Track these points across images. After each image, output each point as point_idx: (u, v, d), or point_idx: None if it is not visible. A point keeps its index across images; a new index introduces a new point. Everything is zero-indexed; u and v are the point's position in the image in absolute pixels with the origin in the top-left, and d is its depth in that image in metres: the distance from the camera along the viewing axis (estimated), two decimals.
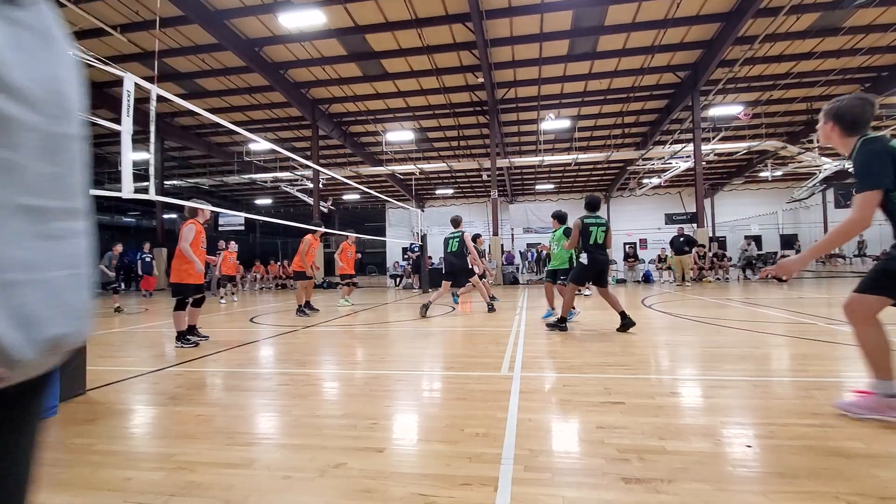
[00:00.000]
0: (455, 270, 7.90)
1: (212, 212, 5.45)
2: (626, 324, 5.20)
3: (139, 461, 2.02)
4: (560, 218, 7.23)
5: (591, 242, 5.40)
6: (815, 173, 20.05)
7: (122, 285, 10.53)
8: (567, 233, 7.38)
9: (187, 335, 5.06)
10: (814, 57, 14.11)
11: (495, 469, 1.83)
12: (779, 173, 22.13)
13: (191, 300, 5.19)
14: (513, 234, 28.90)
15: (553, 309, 6.82)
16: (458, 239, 7.88)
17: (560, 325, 5.45)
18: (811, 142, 19.04)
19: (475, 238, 10.11)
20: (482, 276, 9.38)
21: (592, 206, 5.65)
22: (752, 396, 2.74)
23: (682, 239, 13.36)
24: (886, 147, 2.18)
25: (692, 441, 2.07)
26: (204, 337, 5.33)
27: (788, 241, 26.61)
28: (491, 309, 7.77)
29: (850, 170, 16.01)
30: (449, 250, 7.94)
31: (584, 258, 5.43)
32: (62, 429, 2.45)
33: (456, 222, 8.22)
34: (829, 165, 18.68)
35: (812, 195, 22.51)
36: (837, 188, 17.73)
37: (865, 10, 11.66)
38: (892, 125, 17.46)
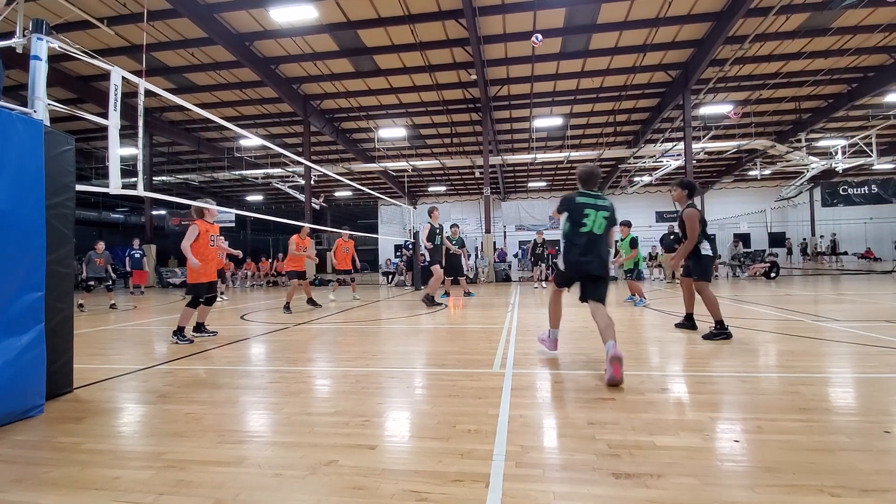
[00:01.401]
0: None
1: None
2: (687, 325, 4.99)
3: (128, 460, 2.00)
4: (630, 225, 8.01)
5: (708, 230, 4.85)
6: (803, 172, 20.33)
7: (112, 282, 10.22)
8: (634, 242, 8.12)
9: (187, 332, 5.07)
10: (802, 57, 14.26)
11: (487, 465, 1.84)
12: (767, 172, 22.40)
13: (203, 298, 5.22)
14: (505, 232, 28.95)
15: (637, 296, 7.74)
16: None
17: (722, 331, 4.45)
18: (799, 141, 19.28)
19: (452, 227, 10.53)
20: (456, 275, 9.65)
21: (696, 191, 5.08)
22: (740, 392, 2.78)
23: (672, 237, 13.46)
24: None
25: (681, 436, 2.10)
26: (212, 333, 5.38)
27: (776, 240, 26.96)
28: (428, 301, 8.09)
29: (838, 170, 16.09)
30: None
31: (707, 248, 4.70)
32: (49, 427, 2.42)
33: (428, 213, 8.80)
34: (817, 165, 18.94)
35: (799, 194, 22.84)
36: (825, 187, 17.99)
37: (853, 11, 11.80)
38: (879, 125, 17.72)
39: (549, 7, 11.80)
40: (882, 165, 20.49)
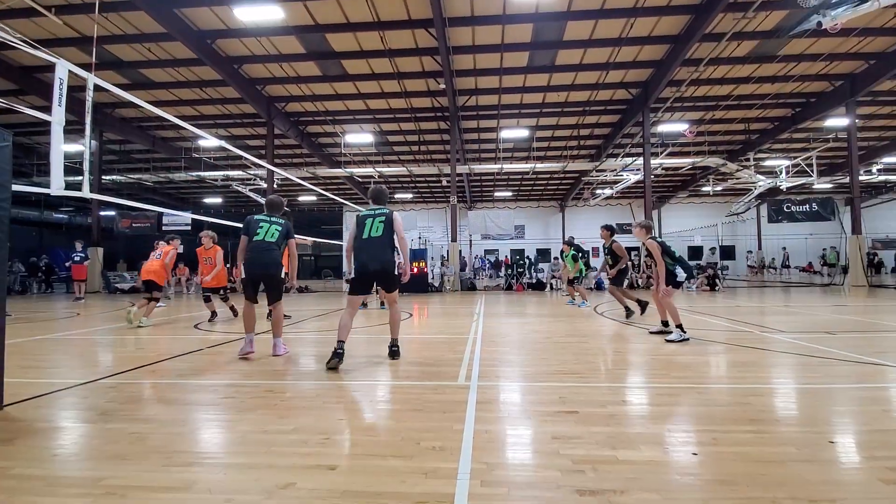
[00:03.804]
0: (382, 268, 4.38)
1: (159, 213, 5.21)
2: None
3: (62, 486, 1.84)
4: (570, 244, 9.81)
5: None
6: (751, 189, 21.55)
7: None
8: (575, 258, 9.83)
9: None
10: (752, 81, 15.19)
11: (451, 485, 1.80)
12: (719, 188, 23.63)
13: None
14: (471, 241, 29.16)
15: (585, 301, 9.67)
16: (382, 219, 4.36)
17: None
18: (748, 160, 20.47)
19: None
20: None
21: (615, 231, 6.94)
22: (696, 404, 2.87)
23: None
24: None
25: (642, 449, 2.13)
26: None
27: (727, 252, 28.44)
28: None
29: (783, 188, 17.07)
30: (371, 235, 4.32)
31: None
32: None
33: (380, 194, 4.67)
34: (763, 183, 20.14)
35: (748, 209, 24.18)
36: (770, 204, 19.14)
37: (798, 41, 12.67)
38: (819, 147, 19.05)
39: (517, 22, 12.05)
40: (821, 185, 21.99)
